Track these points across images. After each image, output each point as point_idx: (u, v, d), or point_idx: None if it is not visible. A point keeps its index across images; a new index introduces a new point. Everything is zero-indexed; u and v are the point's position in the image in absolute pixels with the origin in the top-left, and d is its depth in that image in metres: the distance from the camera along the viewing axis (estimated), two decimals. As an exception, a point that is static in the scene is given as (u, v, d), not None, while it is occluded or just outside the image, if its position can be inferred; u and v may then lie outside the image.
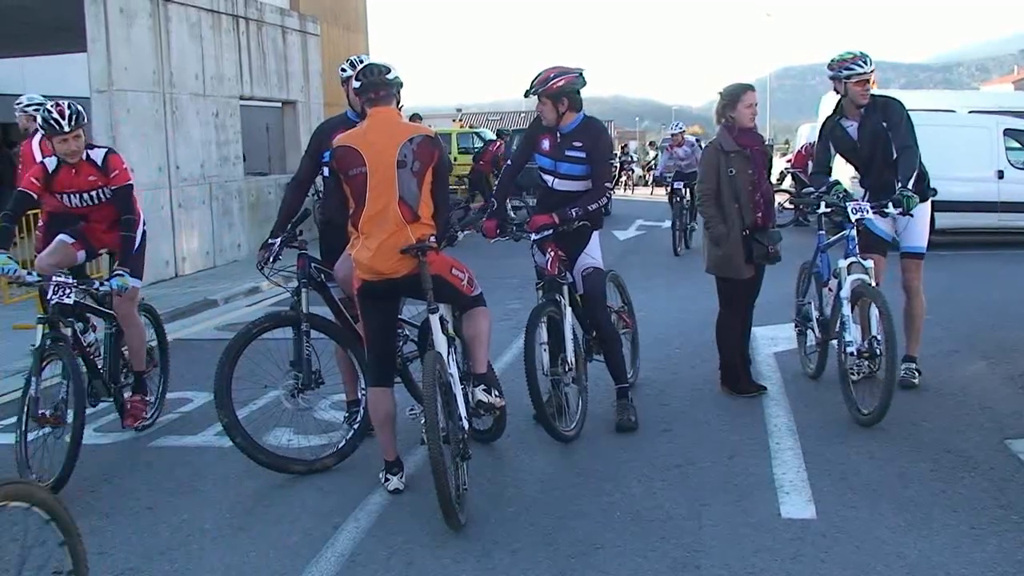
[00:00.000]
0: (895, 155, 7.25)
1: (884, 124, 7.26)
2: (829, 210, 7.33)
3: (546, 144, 6.73)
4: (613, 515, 5.28)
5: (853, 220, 7.03)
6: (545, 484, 5.82)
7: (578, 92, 6.60)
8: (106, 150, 6.83)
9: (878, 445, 6.23)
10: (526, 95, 6.69)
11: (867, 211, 7.00)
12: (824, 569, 4.53)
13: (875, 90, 7.43)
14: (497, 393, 5.78)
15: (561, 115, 6.57)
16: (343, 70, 6.74)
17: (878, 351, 6.69)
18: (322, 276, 6.44)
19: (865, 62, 7.27)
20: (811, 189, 7.60)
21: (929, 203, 7.55)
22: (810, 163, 10.49)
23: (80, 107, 6.60)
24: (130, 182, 6.79)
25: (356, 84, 5.65)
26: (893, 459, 5.98)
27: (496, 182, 7.35)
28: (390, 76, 5.61)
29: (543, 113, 6.61)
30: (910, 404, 7.01)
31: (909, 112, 7.34)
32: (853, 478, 5.68)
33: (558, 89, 6.52)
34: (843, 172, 8.22)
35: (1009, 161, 17.15)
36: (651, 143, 55.67)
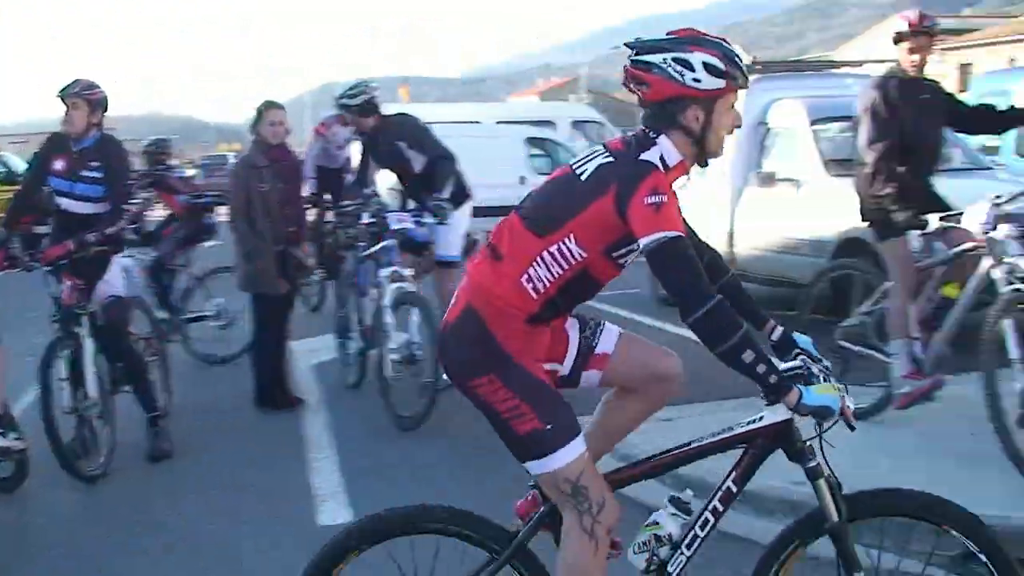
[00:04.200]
0: (416, 168, 7.55)
1: (401, 143, 7.52)
2: (372, 221, 7.51)
3: (60, 164, 6.29)
4: (157, 545, 5.12)
5: (393, 230, 7.24)
6: (73, 525, 5.51)
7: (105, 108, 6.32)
8: None
9: (417, 447, 6.47)
10: (60, 95, 6.21)
11: (407, 221, 7.24)
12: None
13: (402, 106, 7.72)
14: (16, 436, 5.38)
15: (89, 127, 6.23)
16: None
17: (418, 356, 6.92)
18: None
19: (349, 95, 7.52)
20: (350, 202, 7.76)
21: (467, 211, 7.93)
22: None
23: None
24: None
25: None
26: (430, 460, 6.25)
27: None
28: None
29: (72, 119, 6.18)
30: (447, 405, 7.25)
31: (437, 123, 7.66)
32: (391, 481, 5.89)
33: (100, 98, 6.22)
34: (385, 182, 8.49)
35: (531, 168, 18.47)
36: (190, 161, 54.38)
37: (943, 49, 49.59)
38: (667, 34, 3.05)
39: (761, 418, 3.05)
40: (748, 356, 2.83)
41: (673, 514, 3.12)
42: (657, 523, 3.12)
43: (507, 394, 2.97)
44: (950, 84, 36.24)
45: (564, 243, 2.96)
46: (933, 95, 6.09)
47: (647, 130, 3.03)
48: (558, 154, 19.25)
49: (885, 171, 5.84)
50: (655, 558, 3.09)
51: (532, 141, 18.92)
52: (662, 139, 2.99)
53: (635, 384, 3.31)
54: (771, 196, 9.31)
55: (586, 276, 3.02)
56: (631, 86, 3.04)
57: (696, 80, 2.92)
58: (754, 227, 9.51)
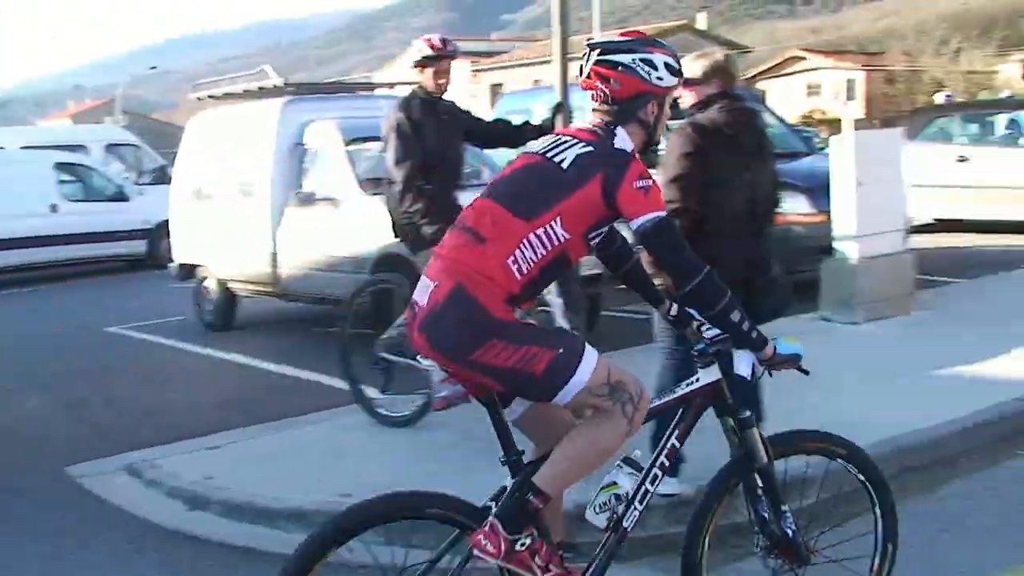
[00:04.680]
0: None
1: None
2: None
3: None
4: None
5: None
6: None
7: None
8: None
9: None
10: None
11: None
12: None
13: None
14: None
15: None
16: None
17: None
18: None
19: None
20: None
21: None
22: None
23: None
24: None
25: None
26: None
27: None
28: None
29: None
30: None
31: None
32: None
33: None
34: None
35: (64, 195, 17.43)
36: None
37: (475, 71, 52.77)
38: (620, 35, 3.33)
39: (697, 380, 3.37)
40: (736, 315, 3.18)
41: (629, 473, 3.24)
42: (615, 483, 3.23)
43: (513, 349, 3.02)
44: (483, 103, 38.60)
45: (550, 226, 3.11)
46: (452, 114, 6.48)
47: (605, 123, 3.26)
48: (92, 179, 18.45)
49: (413, 188, 6.13)
50: (614, 516, 3.21)
51: (63, 167, 17.97)
52: (619, 130, 3.24)
53: (539, 437, 3.36)
54: (311, 216, 9.41)
55: (563, 257, 3.17)
56: (597, 83, 3.26)
57: (659, 78, 3.24)
58: (296, 247, 9.57)
